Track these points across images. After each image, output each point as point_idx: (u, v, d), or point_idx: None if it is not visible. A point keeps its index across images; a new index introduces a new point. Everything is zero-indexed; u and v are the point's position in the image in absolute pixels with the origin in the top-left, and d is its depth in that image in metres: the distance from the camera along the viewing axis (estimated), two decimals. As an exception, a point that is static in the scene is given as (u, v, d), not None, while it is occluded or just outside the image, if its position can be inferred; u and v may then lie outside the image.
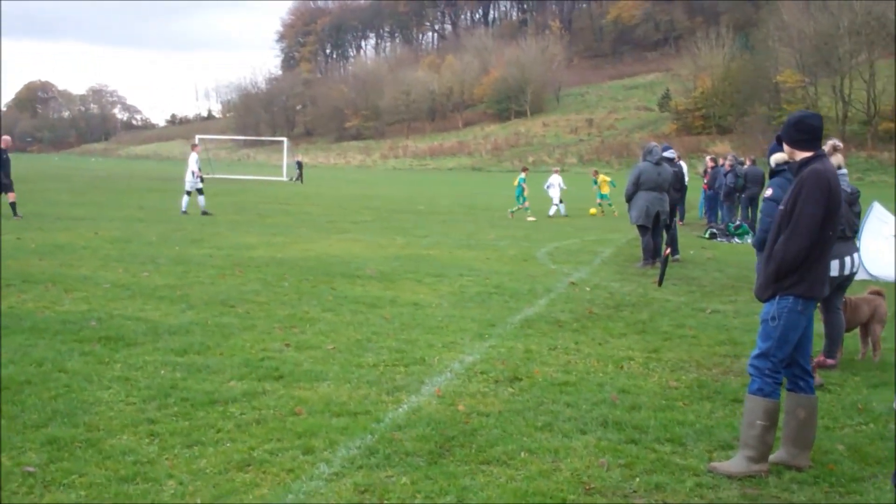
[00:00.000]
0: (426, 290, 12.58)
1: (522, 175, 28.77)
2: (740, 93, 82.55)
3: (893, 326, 9.99)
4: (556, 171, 31.14)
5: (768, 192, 7.70)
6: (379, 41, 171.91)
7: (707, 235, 22.98)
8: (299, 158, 58.37)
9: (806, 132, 5.79)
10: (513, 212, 28.57)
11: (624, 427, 6.42)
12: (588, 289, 13.22)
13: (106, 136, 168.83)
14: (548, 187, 29.89)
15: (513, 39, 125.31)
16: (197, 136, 60.26)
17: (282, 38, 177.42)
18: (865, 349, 9.08)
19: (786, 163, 7.27)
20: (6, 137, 23.52)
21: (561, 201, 29.81)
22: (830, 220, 5.60)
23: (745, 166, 25.07)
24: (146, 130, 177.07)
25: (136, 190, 39.24)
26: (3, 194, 22.21)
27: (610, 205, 31.52)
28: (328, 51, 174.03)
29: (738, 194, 24.88)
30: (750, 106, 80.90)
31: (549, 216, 29.02)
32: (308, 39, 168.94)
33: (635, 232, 23.39)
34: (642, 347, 9.23)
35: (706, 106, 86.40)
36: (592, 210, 31.27)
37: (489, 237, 21.11)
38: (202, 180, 26.08)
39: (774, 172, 7.76)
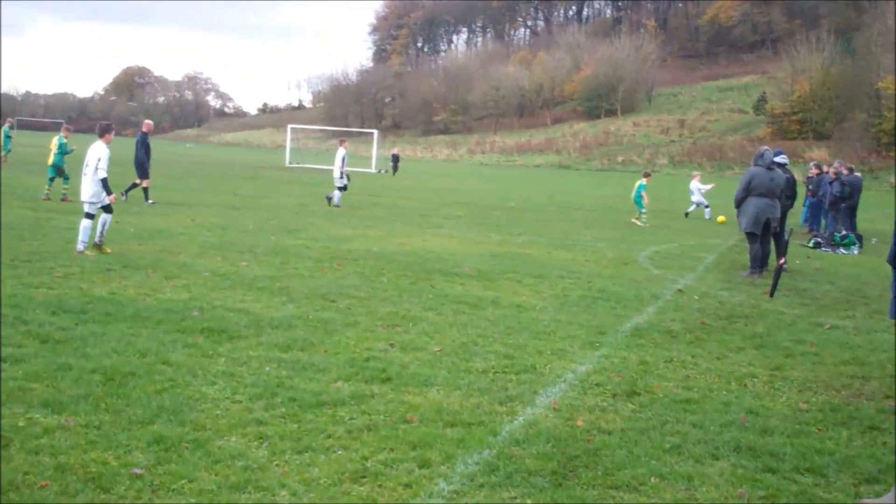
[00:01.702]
0: (528, 292, 12.19)
1: (643, 181, 27.22)
2: (839, 98, 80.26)
3: None
4: (695, 176, 31.32)
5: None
6: (471, 36, 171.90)
7: (811, 245, 22.14)
8: (396, 151, 58.45)
9: None
10: (637, 218, 26.76)
11: (759, 453, 5.96)
12: (696, 297, 12.69)
13: (199, 123, 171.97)
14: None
15: (606, 37, 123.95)
16: (289, 126, 60.81)
17: (374, 30, 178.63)
18: None
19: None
20: (149, 122, 23.82)
21: (706, 206, 30.25)
22: None
23: (846, 174, 24.19)
24: (238, 118, 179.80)
25: (230, 177, 39.56)
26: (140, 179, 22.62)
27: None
28: (420, 44, 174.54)
29: (843, 203, 24.00)
30: (849, 112, 78.56)
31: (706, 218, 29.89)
32: (400, 32, 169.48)
33: (736, 238, 22.77)
34: (764, 364, 8.72)
35: (803, 110, 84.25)
36: (721, 217, 28.95)
37: (585, 238, 20.63)
38: (348, 178, 26.19)
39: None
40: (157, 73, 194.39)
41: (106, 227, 13.57)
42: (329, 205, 25.42)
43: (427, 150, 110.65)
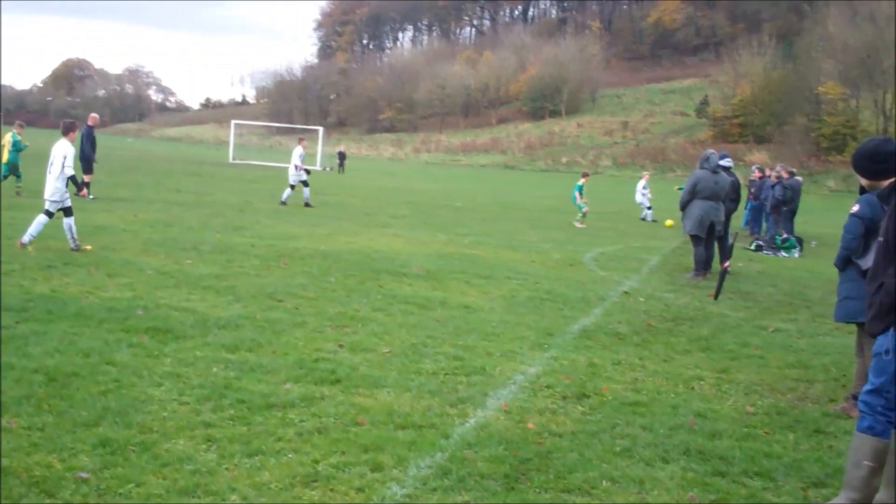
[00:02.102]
0: (476, 293, 12.19)
1: (581, 181, 27.16)
2: (780, 102, 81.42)
3: None
4: (643, 176, 31.63)
5: (854, 208, 7.33)
6: (416, 34, 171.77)
7: (753, 248, 22.45)
8: (342, 149, 58.12)
9: (883, 161, 5.45)
10: (579, 220, 26.65)
11: (708, 457, 6.01)
12: (642, 299, 12.78)
13: (140, 117, 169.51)
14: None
15: (551, 38, 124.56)
16: (233, 122, 60.22)
17: (320, 26, 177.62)
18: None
19: (872, 190, 6.86)
20: (94, 115, 23.43)
21: (648, 207, 30.45)
22: None
23: (787, 178, 24.54)
24: (180, 113, 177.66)
25: (173, 173, 39.04)
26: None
27: None
28: (365, 41, 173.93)
29: (784, 207, 24.35)
30: (789, 116, 79.75)
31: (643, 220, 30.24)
32: (346, 29, 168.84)
33: (679, 240, 23.01)
34: (710, 367, 8.80)
35: (744, 114, 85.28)
36: (668, 221, 28.98)
37: (531, 239, 20.69)
38: (308, 173, 26.11)
39: (864, 189, 7.36)
40: (97, 65, 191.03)
41: (73, 229, 13.32)
42: (279, 203, 25.25)
43: (372, 148, 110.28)
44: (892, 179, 5.45)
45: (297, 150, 26.13)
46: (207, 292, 10.64)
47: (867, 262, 6.96)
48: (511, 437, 6.13)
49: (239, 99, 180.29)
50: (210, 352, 7.83)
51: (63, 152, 13.19)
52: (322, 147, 65.60)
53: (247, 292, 10.79)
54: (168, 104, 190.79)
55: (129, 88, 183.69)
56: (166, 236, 15.53)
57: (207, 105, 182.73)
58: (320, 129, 71.04)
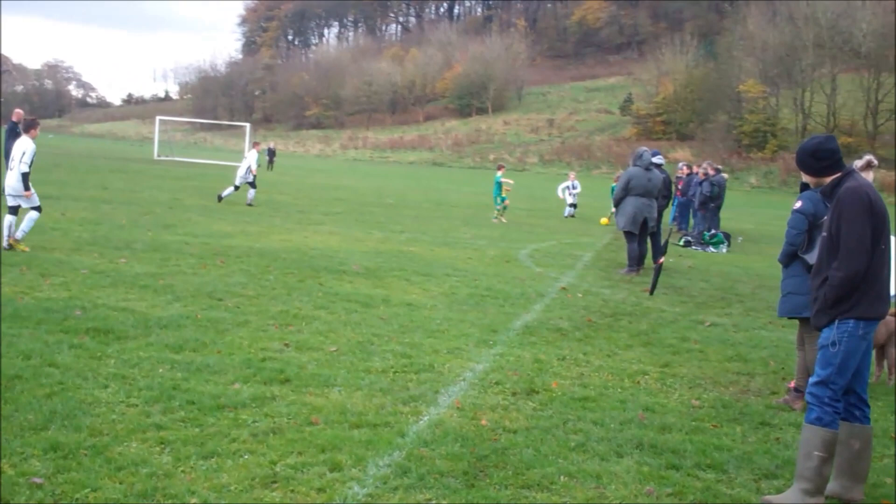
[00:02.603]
0: (417, 290, 12.18)
1: (499, 174, 27.10)
2: (702, 100, 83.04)
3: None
4: (570, 176, 31.26)
5: (797, 204, 7.47)
6: (342, 30, 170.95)
7: (682, 243, 22.79)
8: (272, 145, 57.43)
9: (826, 157, 5.58)
10: (497, 216, 26.36)
11: (660, 451, 6.09)
12: (580, 294, 12.90)
13: (60, 113, 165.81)
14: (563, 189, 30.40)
15: (477, 35, 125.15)
16: (157, 118, 59.25)
17: (244, 21, 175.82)
18: (879, 372, 8.85)
19: (816, 188, 7.02)
20: (19, 111, 22.79)
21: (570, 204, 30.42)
22: (880, 235, 5.33)
23: (713, 175, 24.92)
24: (101, 109, 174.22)
25: (98, 170, 38.19)
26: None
27: None
28: (290, 37, 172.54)
29: (711, 203, 24.77)
30: (712, 114, 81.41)
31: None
32: (270, 25, 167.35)
33: (610, 236, 23.28)
34: (652, 361, 8.92)
35: (667, 112, 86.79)
36: (604, 220, 28.32)
37: (465, 235, 20.72)
38: (254, 177, 25.71)
39: (805, 186, 7.52)
40: (15, 60, 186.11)
41: (12, 228, 13.05)
42: (247, 203, 24.88)
43: (299, 145, 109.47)
44: (835, 176, 5.57)
45: (253, 154, 25.90)
46: (145, 291, 10.45)
47: (813, 257, 7.11)
48: (466, 434, 6.13)
49: (162, 95, 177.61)
50: (154, 352, 7.69)
51: (22, 148, 13.08)
52: (249, 143, 64.78)
53: (185, 291, 10.62)
54: (89, 100, 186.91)
55: (48, 84, 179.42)
56: (97, 235, 15.21)
57: (129, 101, 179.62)
58: (247, 125, 70.20)
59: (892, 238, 5.81)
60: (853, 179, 5.46)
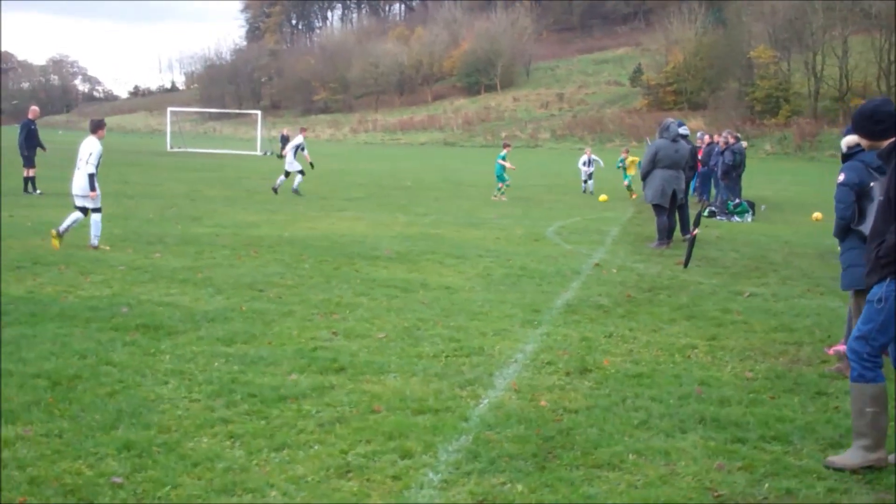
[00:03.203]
0: (452, 273, 12.19)
1: (504, 152, 26.79)
2: (713, 68, 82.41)
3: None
4: (587, 151, 30.56)
5: (840, 177, 7.40)
6: (346, 12, 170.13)
7: (706, 214, 22.71)
8: (285, 132, 57.27)
9: (883, 121, 5.56)
10: (497, 194, 26.19)
11: (723, 425, 6.09)
12: (615, 270, 12.90)
13: (67, 108, 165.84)
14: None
15: (482, 12, 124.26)
16: (168, 109, 59.37)
17: (246, 8, 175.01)
18: None
19: (857, 145, 6.97)
20: (35, 108, 22.87)
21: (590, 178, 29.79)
22: None
23: (733, 143, 24.82)
24: (108, 102, 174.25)
25: (114, 164, 38.13)
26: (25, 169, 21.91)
27: (629, 187, 28.51)
28: (294, 22, 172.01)
29: (734, 172, 24.69)
30: (722, 81, 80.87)
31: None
32: (273, 10, 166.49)
33: (634, 210, 23.24)
34: (699, 334, 8.92)
35: (678, 81, 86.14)
36: (603, 196, 27.31)
37: (489, 215, 20.73)
38: (312, 165, 25.92)
39: (846, 156, 7.48)
40: (20, 57, 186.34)
41: (99, 227, 13.38)
42: (274, 192, 24.90)
43: (309, 131, 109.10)
44: (893, 140, 5.55)
45: (298, 138, 25.86)
46: (186, 285, 10.50)
47: (867, 227, 7.07)
48: (528, 415, 6.15)
49: (168, 85, 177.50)
50: (206, 346, 7.73)
51: (90, 149, 13.27)
52: (261, 131, 64.87)
53: (225, 283, 10.67)
54: (96, 94, 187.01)
55: (54, 80, 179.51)
56: (127, 230, 15.28)
57: (136, 93, 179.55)
58: (258, 112, 70.26)
59: None
60: None
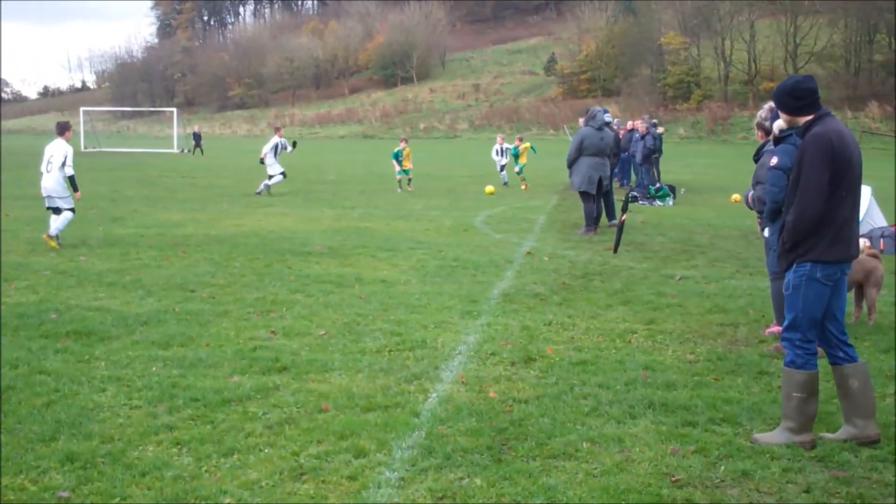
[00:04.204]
0: (386, 266, 12.09)
1: (401, 146, 26.11)
2: (625, 55, 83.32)
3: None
4: (498, 139, 29.92)
5: (774, 160, 7.45)
6: (258, 7, 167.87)
7: (629, 199, 22.91)
8: (196, 129, 56.29)
9: (803, 97, 5.62)
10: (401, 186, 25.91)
11: (672, 408, 6.12)
12: (546, 258, 12.93)
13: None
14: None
15: (395, 4, 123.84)
16: (81, 109, 57.92)
17: (156, 4, 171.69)
18: (858, 312, 9.01)
19: (789, 129, 7.06)
20: None
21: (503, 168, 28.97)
22: (841, 181, 5.42)
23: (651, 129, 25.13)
24: (17, 103, 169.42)
25: (27, 166, 37.01)
26: None
27: (520, 174, 27.38)
28: (206, 17, 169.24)
29: (653, 156, 25.04)
30: (635, 68, 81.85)
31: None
32: (184, 6, 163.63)
33: (556, 198, 23.36)
34: (637, 319, 8.98)
35: (591, 69, 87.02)
36: (489, 188, 25.76)
37: (417, 207, 20.65)
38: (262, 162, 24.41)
39: (778, 140, 7.55)
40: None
41: (66, 223, 13.68)
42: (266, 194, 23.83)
43: (226, 127, 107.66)
44: (809, 117, 5.61)
45: (274, 139, 24.44)
46: (114, 289, 10.22)
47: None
48: (478, 408, 6.11)
49: (79, 85, 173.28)
50: (142, 350, 7.52)
51: (63, 151, 13.52)
52: (177, 129, 63.70)
53: (155, 285, 10.41)
54: (4, 95, 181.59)
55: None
56: (47, 234, 14.82)
57: (46, 93, 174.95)
58: (174, 110, 69.04)
59: (867, 186, 5.88)
60: (823, 124, 5.52)
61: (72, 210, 13.65)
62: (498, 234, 15.66)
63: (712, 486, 4.91)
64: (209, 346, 7.72)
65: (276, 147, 24.31)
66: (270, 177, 24.09)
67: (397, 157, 25.79)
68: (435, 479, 4.95)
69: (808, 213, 5.37)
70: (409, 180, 26.08)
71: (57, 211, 13.52)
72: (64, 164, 13.46)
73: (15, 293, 9.87)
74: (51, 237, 13.25)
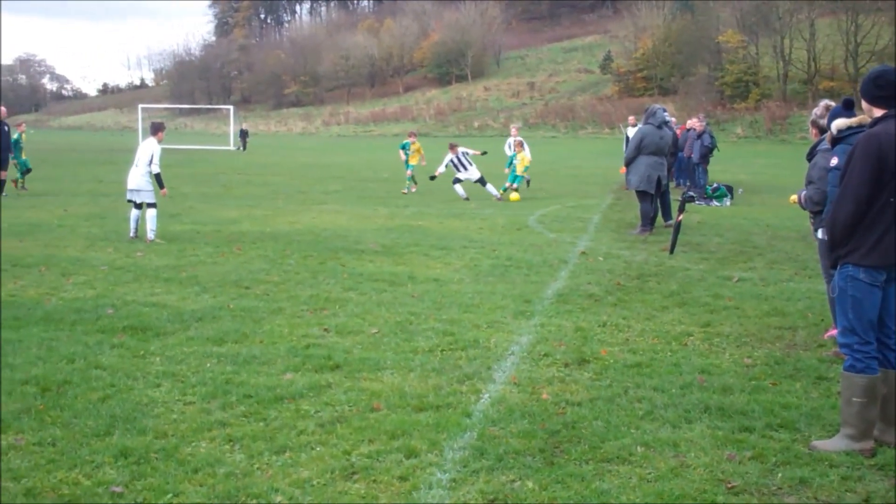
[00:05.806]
0: (438, 265, 12.07)
1: (408, 140, 25.56)
2: (682, 53, 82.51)
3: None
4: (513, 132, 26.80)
5: (833, 160, 7.27)
6: (314, 5, 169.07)
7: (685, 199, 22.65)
8: (244, 126, 56.87)
9: (884, 87, 5.47)
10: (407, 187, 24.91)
11: (728, 413, 6.01)
12: (601, 258, 12.82)
13: (36, 108, 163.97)
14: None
15: (451, 2, 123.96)
16: (140, 106, 58.80)
17: (214, 3, 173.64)
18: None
19: (848, 128, 6.87)
20: (2, 108, 22.52)
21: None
22: (886, 185, 5.27)
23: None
24: (77, 101, 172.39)
25: (87, 162, 37.87)
26: None
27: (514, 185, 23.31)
28: (263, 16, 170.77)
29: (710, 156, 24.72)
30: (692, 66, 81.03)
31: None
32: (242, 4, 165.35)
33: (612, 197, 23.17)
34: (693, 321, 8.84)
35: (647, 67, 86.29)
36: (514, 196, 22.69)
37: (470, 205, 20.60)
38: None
39: (836, 140, 7.38)
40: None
41: (155, 221, 14.16)
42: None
43: (281, 124, 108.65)
44: (882, 113, 5.48)
45: (449, 155, 22.44)
46: (171, 284, 10.32)
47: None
48: (531, 410, 6.04)
49: (137, 82, 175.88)
50: (197, 346, 7.58)
51: (151, 150, 14.19)
52: (234, 126, 64.32)
53: (211, 281, 10.50)
54: (64, 93, 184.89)
55: (21, 79, 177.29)
56: (105, 229, 15.06)
57: (105, 91, 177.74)
58: (231, 107, 69.77)
59: None
60: (883, 124, 5.41)
61: (154, 205, 14.11)
62: (552, 234, 15.56)
63: (769, 494, 4.80)
64: (263, 342, 7.75)
65: (452, 163, 22.43)
66: (483, 182, 22.55)
67: (405, 148, 25.26)
68: (486, 480, 4.90)
69: (846, 209, 5.31)
70: (412, 177, 25.02)
71: (138, 206, 14.07)
72: (151, 162, 14.04)
73: (72, 288, 10.01)
74: (152, 241, 13.72)
